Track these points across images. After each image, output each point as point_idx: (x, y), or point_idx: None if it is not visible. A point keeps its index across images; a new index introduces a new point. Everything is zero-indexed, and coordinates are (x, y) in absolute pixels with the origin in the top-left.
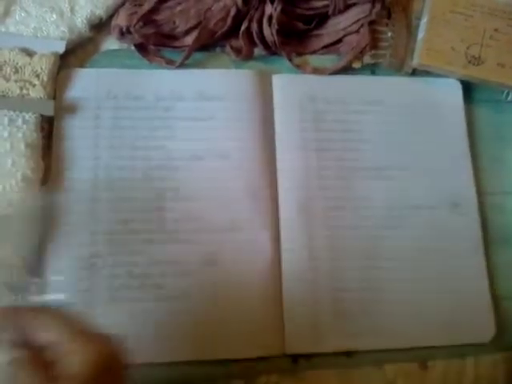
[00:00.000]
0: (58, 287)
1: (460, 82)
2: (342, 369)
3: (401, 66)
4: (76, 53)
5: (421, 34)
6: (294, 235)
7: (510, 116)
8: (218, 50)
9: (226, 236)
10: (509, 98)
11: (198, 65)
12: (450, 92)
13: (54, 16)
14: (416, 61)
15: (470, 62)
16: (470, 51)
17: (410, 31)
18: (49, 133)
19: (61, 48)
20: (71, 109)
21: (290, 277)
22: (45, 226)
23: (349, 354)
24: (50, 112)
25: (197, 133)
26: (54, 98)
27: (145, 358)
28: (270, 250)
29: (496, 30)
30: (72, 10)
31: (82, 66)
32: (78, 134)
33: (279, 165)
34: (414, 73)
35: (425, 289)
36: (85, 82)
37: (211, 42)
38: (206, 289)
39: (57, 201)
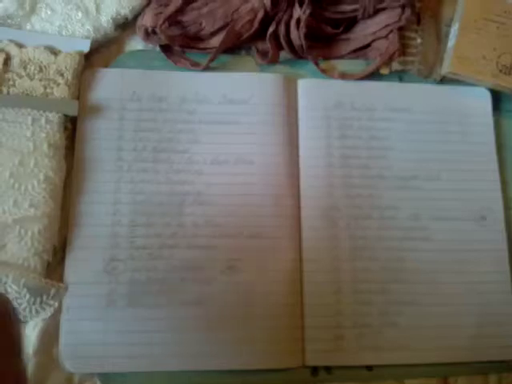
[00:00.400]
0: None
1: (489, 91)
2: (362, 382)
3: (429, 74)
4: (101, 52)
5: (451, 42)
6: (316, 244)
7: None
8: (243, 52)
9: (246, 243)
10: None
11: (223, 67)
12: (479, 101)
13: (80, 14)
14: (446, 69)
15: (500, 71)
16: (502, 60)
17: (440, 38)
18: (72, 133)
19: (86, 47)
20: (95, 109)
21: (311, 287)
22: None
23: (369, 367)
24: (73, 112)
25: (220, 137)
26: (78, 97)
27: (161, 366)
28: (291, 260)
29: None
30: (98, 8)
31: (106, 65)
32: (101, 135)
33: (303, 171)
34: (443, 80)
35: (448, 303)
36: (109, 83)
37: (237, 45)
38: (225, 296)
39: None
